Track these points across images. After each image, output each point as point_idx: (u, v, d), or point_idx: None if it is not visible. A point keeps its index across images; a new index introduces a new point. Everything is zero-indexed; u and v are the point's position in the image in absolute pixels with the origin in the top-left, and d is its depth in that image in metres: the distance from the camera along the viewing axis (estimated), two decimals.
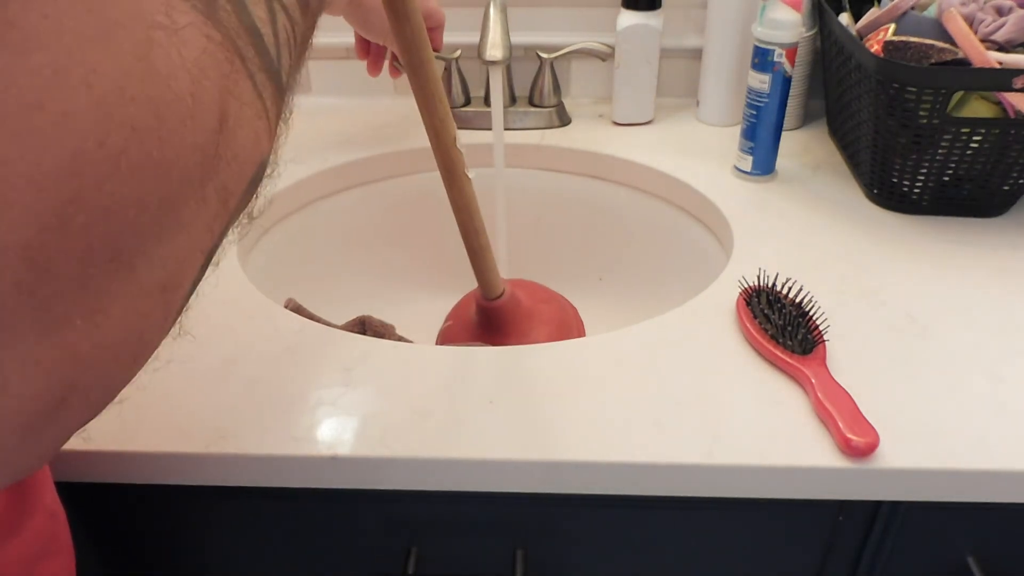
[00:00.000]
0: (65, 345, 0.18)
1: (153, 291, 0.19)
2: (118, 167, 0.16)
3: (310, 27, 0.24)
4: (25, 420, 0.18)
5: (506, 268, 0.84)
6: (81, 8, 0.16)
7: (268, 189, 0.23)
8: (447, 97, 0.86)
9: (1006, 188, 0.68)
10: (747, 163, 0.76)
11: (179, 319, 0.22)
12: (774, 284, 0.57)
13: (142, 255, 0.18)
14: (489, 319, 0.68)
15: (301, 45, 0.23)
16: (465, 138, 0.85)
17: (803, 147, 0.83)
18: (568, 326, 0.72)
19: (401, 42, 0.51)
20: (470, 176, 0.59)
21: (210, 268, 0.23)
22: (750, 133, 0.74)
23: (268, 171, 0.23)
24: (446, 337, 0.73)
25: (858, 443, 0.46)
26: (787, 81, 0.71)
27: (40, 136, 0.15)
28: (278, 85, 0.21)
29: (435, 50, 0.79)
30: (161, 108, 0.17)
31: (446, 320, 0.74)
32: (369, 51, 0.77)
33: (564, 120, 0.88)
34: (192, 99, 0.18)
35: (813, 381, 0.50)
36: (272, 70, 0.21)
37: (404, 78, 0.55)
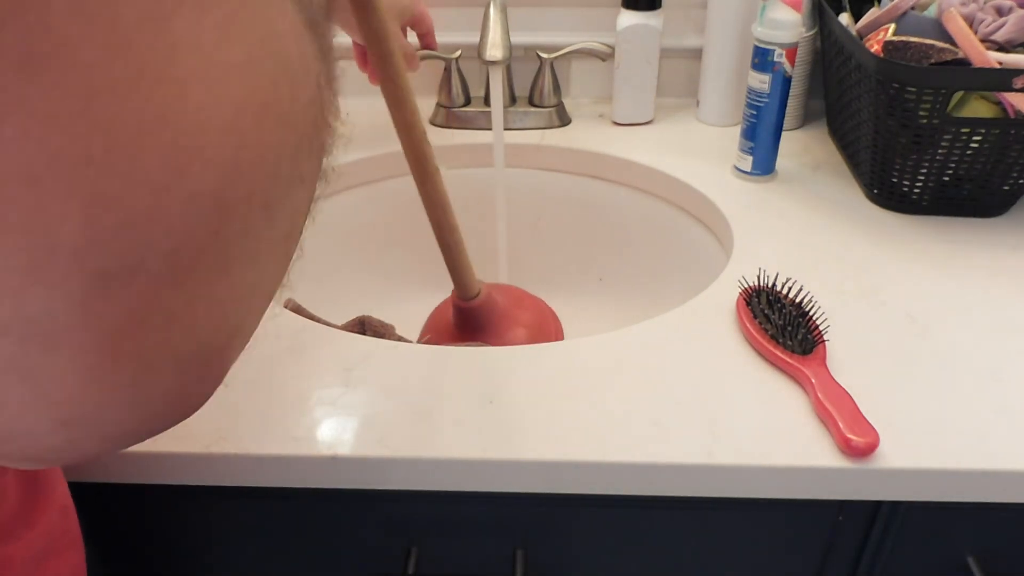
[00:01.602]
0: (235, 285, 0.20)
1: (282, 239, 0.21)
2: (268, 115, 0.18)
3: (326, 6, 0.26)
4: (206, 355, 0.20)
5: (506, 268, 0.84)
6: None
7: (338, 155, 0.26)
8: (447, 97, 0.87)
9: (1006, 188, 0.68)
10: (747, 163, 0.76)
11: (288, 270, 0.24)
12: (774, 284, 0.57)
13: (280, 202, 0.20)
14: (467, 321, 0.67)
15: (326, 15, 0.25)
16: (465, 138, 0.86)
17: (803, 147, 0.83)
18: (546, 328, 0.71)
19: (366, 34, 0.50)
20: (440, 170, 0.58)
21: (308, 221, 0.25)
22: (750, 133, 0.74)
23: (335, 134, 0.25)
24: None
25: (858, 443, 0.46)
26: (787, 81, 0.71)
27: (218, 87, 0.17)
28: (324, 55, 0.23)
29: (431, 49, 0.79)
30: (287, 65, 0.19)
31: (423, 334, 0.73)
32: (368, 61, 0.78)
33: (564, 120, 0.88)
34: (301, 60, 0.20)
35: (813, 381, 0.50)
36: (321, 44, 0.23)
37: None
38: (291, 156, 0.20)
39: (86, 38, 0.15)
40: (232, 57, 0.17)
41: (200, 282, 0.18)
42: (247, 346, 0.23)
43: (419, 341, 0.72)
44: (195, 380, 0.21)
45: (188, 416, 0.22)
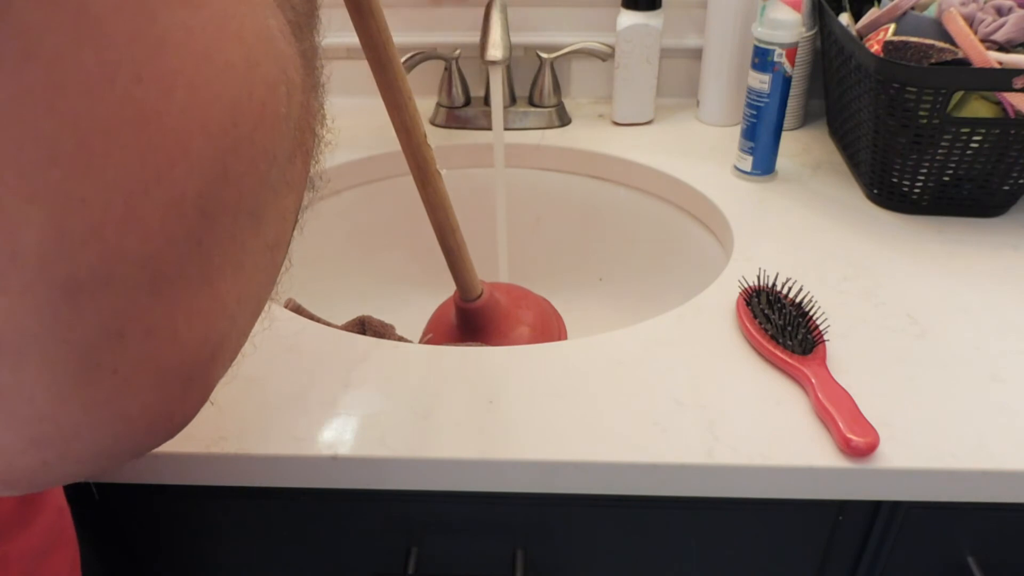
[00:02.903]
0: (219, 296, 0.18)
1: (271, 246, 0.21)
2: (262, 119, 0.18)
3: (314, 7, 0.26)
4: (188, 370, 0.19)
5: (506, 268, 0.84)
6: None
7: (324, 162, 0.25)
8: (447, 97, 0.87)
9: (1006, 188, 0.68)
10: (747, 163, 0.76)
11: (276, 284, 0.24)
12: (774, 284, 0.57)
13: (268, 208, 0.19)
14: (469, 322, 0.67)
15: (312, 20, 0.25)
16: (465, 138, 0.86)
17: (803, 147, 0.83)
18: (548, 326, 0.71)
19: (365, 39, 0.50)
20: (441, 173, 0.58)
21: (296, 231, 0.24)
22: (750, 133, 0.74)
23: (320, 141, 0.24)
24: None
25: (858, 443, 0.46)
26: (787, 81, 0.71)
27: (211, 85, 0.16)
28: (306, 59, 0.22)
29: None
30: (283, 65, 0.19)
31: (425, 333, 0.73)
32: None
33: (564, 120, 0.88)
34: (293, 59, 0.19)
35: (813, 381, 0.50)
36: (303, 48, 0.22)
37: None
38: (282, 162, 0.19)
39: (51, 25, 0.14)
40: (227, 56, 0.16)
41: (182, 293, 0.17)
42: (238, 358, 0.22)
43: (421, 341, 0.72)
44: (178, 397, 0.20)
45: (172, 435, 0.21)
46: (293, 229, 0.23)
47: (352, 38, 0.49)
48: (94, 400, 0.17)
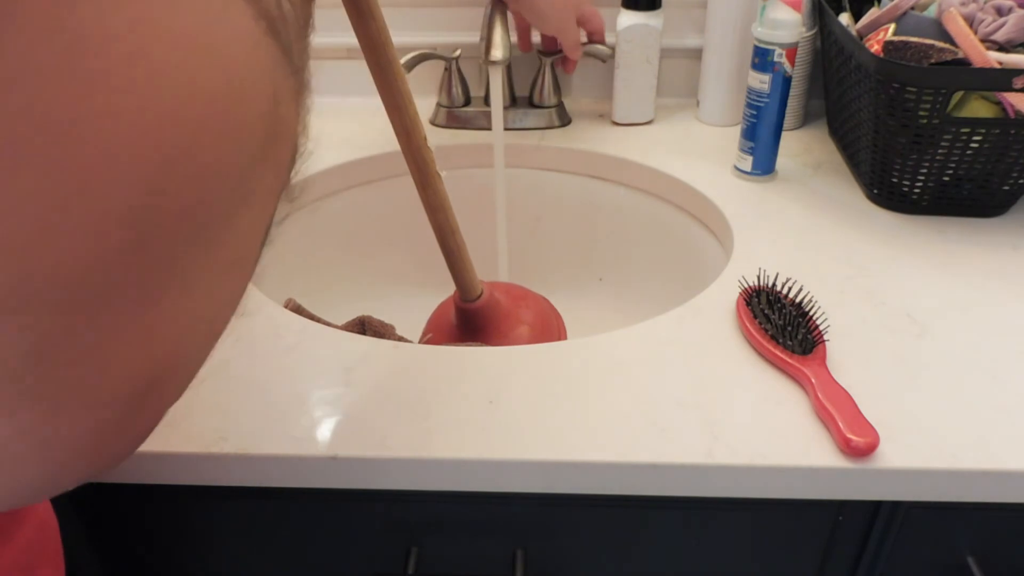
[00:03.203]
0: (161, 321, 0.17)
1: (228, 266, 0.19)
2: (205, 130, 0.16)
3: (309, 12, 0.25)
4: (125, 399, 0.18)
5: (506, 268, 0.84)
6: None
7: (302, 172, 0.23)
8: (447, 97, 0.87)
9: (1006, 188, 0.68)
10: (747, 163, 0.76)
11: (242, 299, 0.22)
12: (774, 284, 0.57)
13: (221, 227, 0.18)
14: (469, 322, 0.67)
15: (303, 28, 0.24)
16: (465, 138, 0.86)
17: (803, 147, 0.83)
18: (548, 325, 0.71)
19: (364, 41, 0.50)
20: (441, 175, 0.58)
21: (265, 248, 0.22)
22: (750, 133, 0.74)
23: (300, 151, 0.23)
24: None
25: (858, 443, 0.46)
26: (787, 81, 0.71)
27: (142, 91, 0.15)
28: (292, 65, 0.21)
29: (599, 43, 0.81)
30: (232, 76, 0.17)
31: (425, 333, 0.73)
32: (530, 45, 0.81)
33: (564, 120, 0.88)
34: (252, 70, 0.18)
35: (813, 381, 0.50)
36: (287, 51, 0.21)
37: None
38: (237, 174, 0.18)
39: None
40: (157, 60, 0.15)
41: (118, 313, 0.16)
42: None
43: (421, 341, 0.72)
44: (121, 420, 0.19)
45: (124, 458, 0.20)
46: (262, 244, 0.22)
47: (352, 38, 0.49)
48: (24, 426, 0.16)
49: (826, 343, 0.54)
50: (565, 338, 0.72)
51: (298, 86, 0.21)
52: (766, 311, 0.55)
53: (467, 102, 0.88)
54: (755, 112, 0.73)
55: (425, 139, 0.56)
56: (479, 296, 0.66)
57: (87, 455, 0.19)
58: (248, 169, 0.18)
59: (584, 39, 0.83)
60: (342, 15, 0.49)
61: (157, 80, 0.15)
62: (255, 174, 0.19)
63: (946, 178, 0.68)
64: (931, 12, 0.66)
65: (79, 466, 0.19)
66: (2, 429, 0.16)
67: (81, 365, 0.16)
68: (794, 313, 0.54)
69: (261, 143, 0.19)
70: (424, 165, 0.56)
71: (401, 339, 0.70)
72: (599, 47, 0.83)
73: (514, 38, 0.83)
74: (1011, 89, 0.61)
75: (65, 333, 0.15)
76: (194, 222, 0.17)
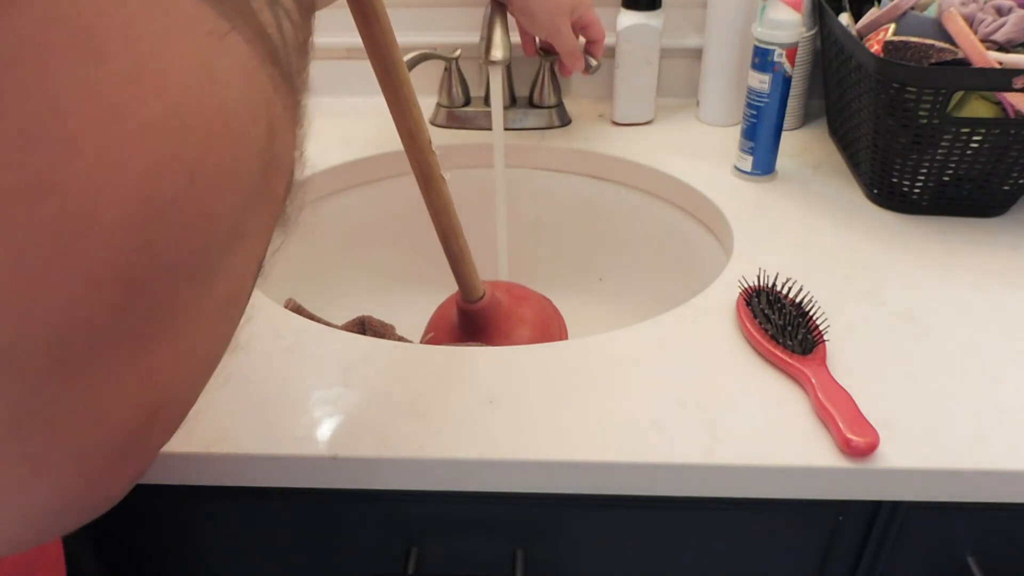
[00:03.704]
0: (152, 368, 0.17)
1: (222, 305, 0.19)
2: (194, 178, 0.16)
3: (309, 29, 0.24)
4: (118, 447, 0.18)
5: (506, 268, 0.84)
6: (149, 13, 0.15)
7: (298, 199, 0.23)
8: (447, 97, 0.87)
9: (1006, 188, 0.68)
10: (747, 163, 0.76)
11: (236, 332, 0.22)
12: (774, 284, 0.57)
13: (214, 269, 0.18)
14: (470, 322, 0.67)
15: (304, 47, 0.23)
16: (465, 138, 0.86)
17: (803, 147, 0.83)
18: (549, 325, 0.71)
19: (369, 44, 0.49)
20: (445, 178, 0.58)
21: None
22: (750, 133, 0.74)
23: (296, 179, 0.22)
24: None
25: (858, 443, 0.46)
26: (787, 81, 0.71)
27: (123, 148, 0.14)
28: (292, 90, 0.21)
29: (594, 57, 0.79)
30: (227, 115, 0.17)
31: (426, 332, 0.73)
32: (535, 50, 0.80)
33: (564, 120, 0.88)
34: (249, 105, 0.18)
35: (813, 381, 0.50)
36: (287, 75, 0.20)
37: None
38: (231, 216, 0.17)
39: None
40: (144, 114, 0.15)
41: (102, 369, 0.16)
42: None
43: (423, 341, 0.72)
44: (108, 472, 0.18)
45: (112, 504, 0.20)
46: (256, 277, 0.21)
47: (352, 37, 0.49)
48: (6, 484, 0.16)
49: (826, 343, 0.54)
50: (566, 338, 0.72)
51: (296, 111, 0.20)
52: (766, 311, 0.55)
53: (467, 102, 0.88)
54: (755, 112, 0.73)
55: (430, 142, 0.56)
56: (481, 297, 0.66)
57: (78, 504, 0.19)
58: (241, 210, 0.18)
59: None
60: (342, 15, 0.48)
61: (141, 136, 0.15)
62: (249, 213, 0.18)
63: (946, 178, 0.68)
64: (931, 12, 0.66)
65: (69, 516, 0.19)
66: None
67: (67, 421, 0.16)
68: (794, 313, 0.54)
69: (256, 180, 0.18)
70: (428, 168, 0.56)
71: (401, 339, 0.70)
72: (587, 56, 0.80)
73: (516, 39, 0.83)
74: (1011, 89, 0.61)
75: (51, 392, 0.15)
76: (185, 270, 0.17)
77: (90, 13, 0.14)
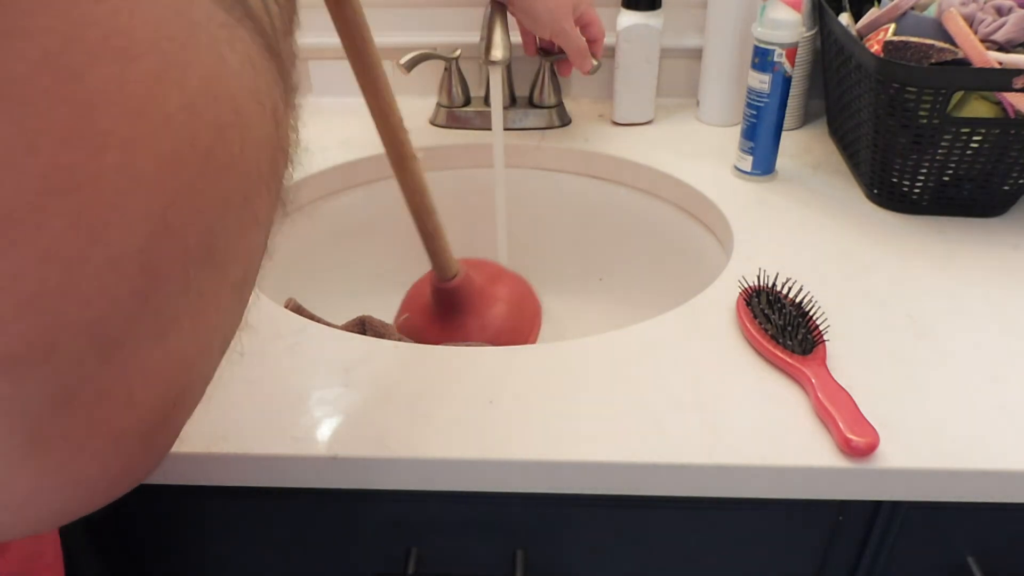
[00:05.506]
0: (176, 349, 0.18)
1: (233, 287, 0.20)
2: (209, 165, 0.17)
3: (293, 8, 0.25)
4: (147, 427, 0.19)
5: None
6: (171, 11, 0.16)
7: (294, 178, 0.24)
8: (447, 97, 0.87)
9: (1006, 188, 0.68)
10: (747, 163, 0.76)
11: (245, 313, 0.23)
12: (774, 284, 0.57)
13: (228, 252, 0.19)
14: (445, 301, 0.68)
15: (289, 27, 0.24)
16: (465, 138, 0.86)
17: (803, 147, 0.83)
18: (523, 303, 0.72)
19: (340, 23, 0.50)
20: (418, 156, 0.59)
21: (265, 259, 0.23)
22: (750, 133, 0.74)
23: (293, 157, 0.23)
24: (406, 331, 0.73)
25: (858, 443, 0.46)
26: (787, 81, 0.71)
27: (146, 140, 0.15)
28: (286, 72, 0.22)
29: (594, 57, 0.78)
30: (239, 104, 0.17)
31: (400, 313, 0.74)
32: (535, 49, 0.80)
33: (564, 120, 0.88)
34: (258, 93, 0.18)
35: (813, 381, 0.50)
36: (280, 59, 0.21)
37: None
38: (242, 202, 0.18)
39: None
40: (166, 108, 0.15)
41: (132, 353, 0.17)
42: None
43: (397, 322, 0.72)
44: (139, 452, 0.19)
45: (138, 483, 0.21)
46: (261, 259, 0.22)
47: None
48: (46, 468, 0.17)
49: (826, 343, 0.54)
50: (540, 315, 0.72)
51: (291, 94, 0.21)
52: (766, 311, 0.55)
53: (467, 102, 0.88)
54: (755, 112, 0.73)
55: (401, 121, 0.56)
56: (455, 275, 0.66)
57: (109, 484, 0.19)
58: (252, 193, 0.19)
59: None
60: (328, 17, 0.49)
61: (162, 128, 0.15)
62: (259, 196, 0.19)
63: (946, 178, 0.68)
64: (931, 12, 0.66)
65: (100, 494, 0.20)
66: (25, 473, 0.16)
67: (103, 405, 0.17)
68: (794, 313, 0.54)
69: (267, 164, 0.19)
70: (401, 146, 0.57)
71: (401, 339, 0.70)
72: None
73: (516, 39, 0.83)
74: (1011, 89, 0.61)
75: (87, 377, 0.16)
76: (201, 253, 0.17)
77: (122, 14, 0.15)
